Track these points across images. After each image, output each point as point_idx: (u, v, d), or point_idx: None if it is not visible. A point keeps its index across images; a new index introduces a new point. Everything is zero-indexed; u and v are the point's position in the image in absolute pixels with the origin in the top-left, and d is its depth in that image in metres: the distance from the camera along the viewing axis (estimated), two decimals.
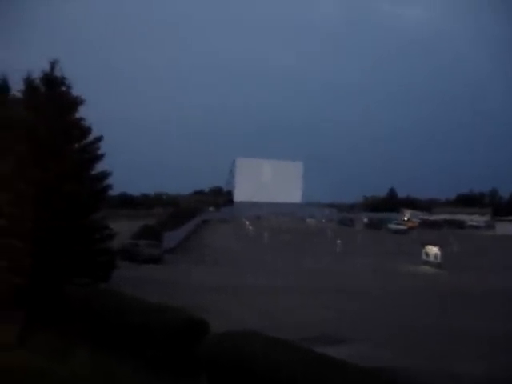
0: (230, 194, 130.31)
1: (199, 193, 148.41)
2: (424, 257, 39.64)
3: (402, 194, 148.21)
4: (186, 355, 9.97)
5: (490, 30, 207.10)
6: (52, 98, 16.54)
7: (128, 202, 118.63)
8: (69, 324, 12.62)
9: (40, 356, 10.57)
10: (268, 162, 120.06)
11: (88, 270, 16.22)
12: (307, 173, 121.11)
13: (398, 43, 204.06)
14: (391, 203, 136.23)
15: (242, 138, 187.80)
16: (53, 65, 16.69)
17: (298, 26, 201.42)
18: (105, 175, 17.75)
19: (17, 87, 16.72)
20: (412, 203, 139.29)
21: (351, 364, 7.69)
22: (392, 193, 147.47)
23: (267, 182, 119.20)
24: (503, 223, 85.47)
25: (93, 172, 17.73)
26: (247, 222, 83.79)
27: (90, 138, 17.46)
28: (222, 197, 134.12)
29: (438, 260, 37.77)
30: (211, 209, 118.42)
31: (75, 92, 17.12)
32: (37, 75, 16.60)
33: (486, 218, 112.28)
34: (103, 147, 17.60)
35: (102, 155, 17.57)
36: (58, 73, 16.75)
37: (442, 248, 38.86)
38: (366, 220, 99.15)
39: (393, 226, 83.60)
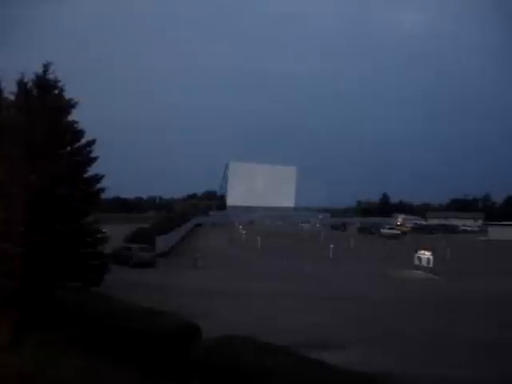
0: (223, 198, 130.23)
1: (193, 197, 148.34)
2: (416, 261, 39.73)
3: (395, 199, 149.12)
4: (177, 360, 9.92)
5: (489, 35, 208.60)
6: (44, 100, 16.45)
7: (121, 206, 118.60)
8: (60, 328, 12.55)
9: (32, 359, 10.50)
10: (261, 166, 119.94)
11: (80, 273, 16.14)
12: (301, 177, 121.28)
13: (395, 51, 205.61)
14: (384, 208, 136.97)
15: (237, 142, 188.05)
16: (46, 67, 16.62)
17: (297, 30, 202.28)
18: (98, 178, 17.65)
19: (9, 89, 16.60)
20: (405, 208, 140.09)
21: (346, 369, 7.65)
22: (385, 198, 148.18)
23: (260, 186, 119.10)
24: (495, 228, 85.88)
25: (85, 175, 17.63)
26: (240, 227, 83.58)
27: (83, 141, 17.37)
28: (215, 201, 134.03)
29: (430, 265, 37.88)
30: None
31: (68, 95, 17.05)
32: (30, 77, 16.50)
33: (479, 222, 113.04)
34: (96, 150, 17.53)
35: (95, 158, 17.49)
36: (50, 76, 16.67)
37: (434, 253, 39.01)
38: (358, 225, 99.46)
39: (385, 231, 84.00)
